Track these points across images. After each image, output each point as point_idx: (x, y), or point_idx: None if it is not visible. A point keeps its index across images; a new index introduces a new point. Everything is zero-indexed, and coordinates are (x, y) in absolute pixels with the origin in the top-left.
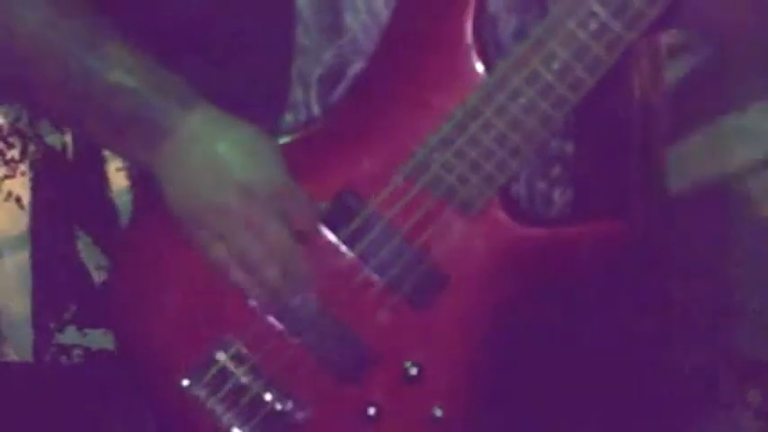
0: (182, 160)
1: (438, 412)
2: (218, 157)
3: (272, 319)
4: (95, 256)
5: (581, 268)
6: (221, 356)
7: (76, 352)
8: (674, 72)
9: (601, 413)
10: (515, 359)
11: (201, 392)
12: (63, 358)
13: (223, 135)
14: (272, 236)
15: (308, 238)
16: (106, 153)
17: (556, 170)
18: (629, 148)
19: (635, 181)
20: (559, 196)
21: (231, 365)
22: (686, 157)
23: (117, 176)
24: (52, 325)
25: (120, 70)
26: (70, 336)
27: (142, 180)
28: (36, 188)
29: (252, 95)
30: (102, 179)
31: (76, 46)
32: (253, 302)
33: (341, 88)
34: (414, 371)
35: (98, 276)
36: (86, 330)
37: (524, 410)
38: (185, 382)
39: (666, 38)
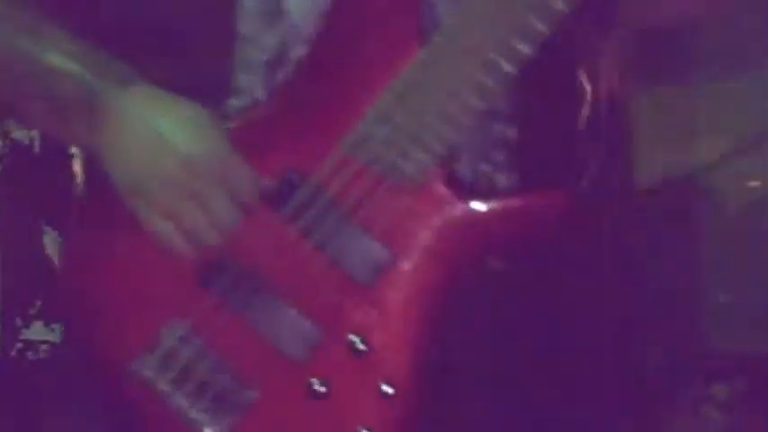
0: (124, 136)
1: (387, 387)
2: (160, 130)
3: (217, 300)
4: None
5: (524, 241)
6: (169, 338)
7: (43, 347)
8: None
9: (553, 387)
10: (465, 335)
11: (150, 374)
12: (29, 354)
13: (164, 111)
14: (212, 204)
15: (251, 210)
16: (73, 148)
17: (500, 155)
18: (582, 138)
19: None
20: (505, 180)
21: (179, 347)
22: (655, 151)
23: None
24: (18, 320)
25: (61, 55)
26: (36, 331)
27: (88, 168)
28: (3, 183)
29: (196, 82)
30: (69, 174)
31: (17, 33)
32: (199, 283)
33: (284, 72)
34: (361, 345)
35: None
36: (53, 326)
37: (475, 387)
38: (134, 365)
39: None
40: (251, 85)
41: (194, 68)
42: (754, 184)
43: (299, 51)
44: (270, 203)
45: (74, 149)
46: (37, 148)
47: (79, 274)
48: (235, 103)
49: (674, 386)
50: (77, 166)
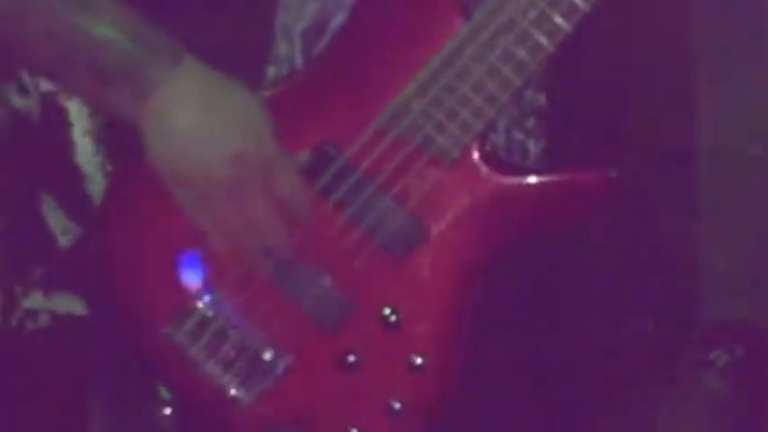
0: (170, 117)
1: (418, 360)
2: (212, 120)
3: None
4: (61, 219)
5: (558, 217)
6: (202, 305)
7: (43, 317)
8: None
9: (577, 364)
10: (496, 309)
11: (184, 339)
12: (29, 323)
13: (216, 97)
14: (254, 207)
15: (292, 209)
16: (72, 117)
17: (531, 122)
18: (609, 102)
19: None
20: (534, 146)
21: (212, 314)
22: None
23: (83, 140)
24: (17, 290)
25: (107, 24)
26: (36, 300)
27: (116, 136)
28: (0, 151)
29: (236, 50)
30: (68, 143)
31: (64, 2)
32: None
33: (324, 41)
34: (393, 318)
35: (64, 240)
36: (52, 294)
37: (506, 361)
38: (168, 330)
39: None
40: (291, 54)
41: (236, 34)
42: (754, 150)
43: (339, 21)
44: (305, 175)
45: (72, 119)
46: (35, 117)
47: (115, 241)
48: (273, 71)
49: (672, 354)
50: (76, 135)
